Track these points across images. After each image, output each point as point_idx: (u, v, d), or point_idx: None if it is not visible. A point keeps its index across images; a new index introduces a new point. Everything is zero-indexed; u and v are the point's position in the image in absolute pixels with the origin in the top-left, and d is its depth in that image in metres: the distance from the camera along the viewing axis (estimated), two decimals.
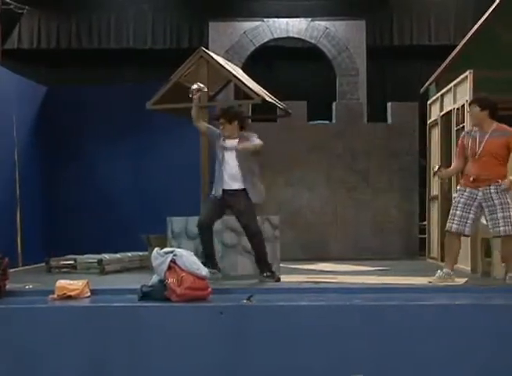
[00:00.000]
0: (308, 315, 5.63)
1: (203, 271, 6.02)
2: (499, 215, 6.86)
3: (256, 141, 7.45)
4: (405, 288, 6.79)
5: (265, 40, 14.35)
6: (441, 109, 10.08)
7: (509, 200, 6.91)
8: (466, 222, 6.99)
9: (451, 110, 9.41)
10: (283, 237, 8.78)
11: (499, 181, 6.88)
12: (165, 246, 7.22)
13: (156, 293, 5.93)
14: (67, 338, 5.56)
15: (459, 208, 7.02)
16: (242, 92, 8.78)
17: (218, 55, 9.44)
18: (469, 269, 8.35)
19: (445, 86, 9.85)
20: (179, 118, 9.41)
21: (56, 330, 5.60)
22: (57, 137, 10.54)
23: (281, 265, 8.55)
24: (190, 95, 7.56)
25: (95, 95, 10.86)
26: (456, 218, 7.03)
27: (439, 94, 10.24)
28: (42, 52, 15.24)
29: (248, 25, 14.28)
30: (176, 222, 8.32)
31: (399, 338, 5.50)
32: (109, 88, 11.61)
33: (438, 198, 10.05)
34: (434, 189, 10.42)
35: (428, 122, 10.93)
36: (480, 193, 6.94)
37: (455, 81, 9.28)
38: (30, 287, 6.97)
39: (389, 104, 12.27)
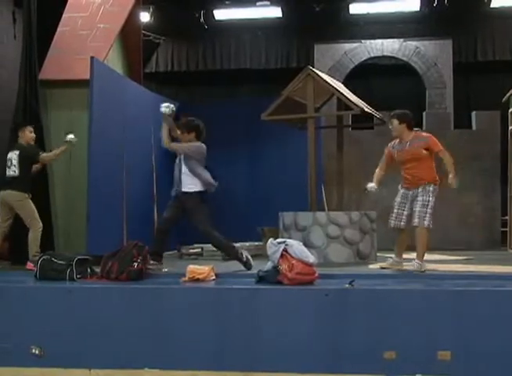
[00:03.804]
0: (401, 298, 5.48)
1: (311, 259, 5.98)
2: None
3: (182, 146, 7.32)
4: (489, 275, 6.55)
5: (363, 59, 14.20)
6: None
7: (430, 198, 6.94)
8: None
9: None
10: (379, 230, 8.61)
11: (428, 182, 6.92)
12: (277, 237, 7.22)
13: (271, 277, 5.94)
14: (196, 314, 5.64)
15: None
16: (343, 104, 8.69)
17: (323, 72, 9.36)
18: None
19: None
20: (289, 127, 9.41)
21: (187, 308, 5.68)
22: None
23: (378, 254, 8.40)
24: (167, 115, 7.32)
25: (218, 109, 10.96)
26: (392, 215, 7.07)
27: None
28: (175, 74, 15.62)
29: (348, 46, 14.18)
30: (287, 216, 8.30)
31: (485, 321, 5.28)
32: (229, 103, 11.69)
33: None
34: None
35: (510, 128, 10.53)
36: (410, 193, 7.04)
37: None
38: (166, 270, 7.12)
39: (473, 113, 11.87)
